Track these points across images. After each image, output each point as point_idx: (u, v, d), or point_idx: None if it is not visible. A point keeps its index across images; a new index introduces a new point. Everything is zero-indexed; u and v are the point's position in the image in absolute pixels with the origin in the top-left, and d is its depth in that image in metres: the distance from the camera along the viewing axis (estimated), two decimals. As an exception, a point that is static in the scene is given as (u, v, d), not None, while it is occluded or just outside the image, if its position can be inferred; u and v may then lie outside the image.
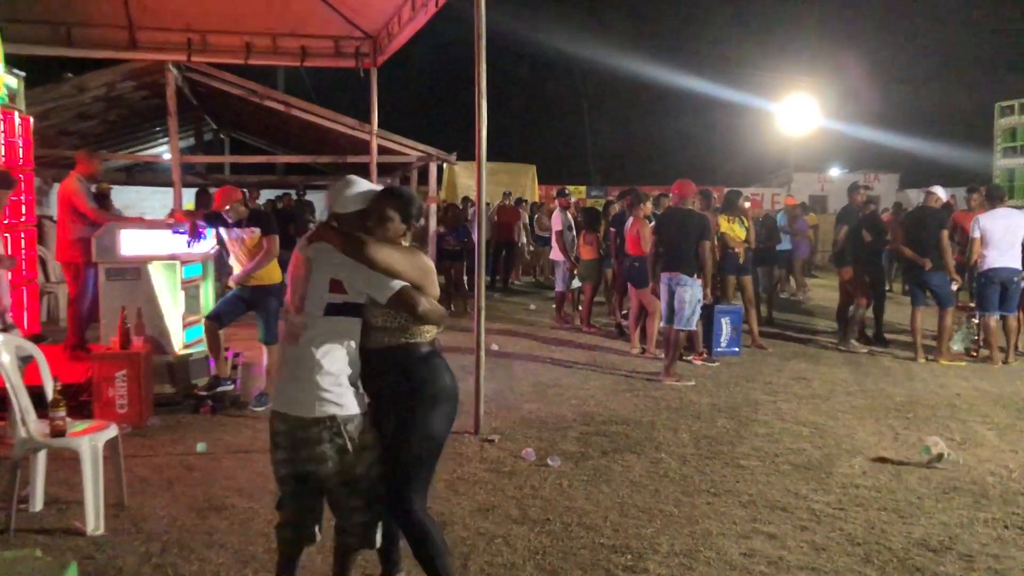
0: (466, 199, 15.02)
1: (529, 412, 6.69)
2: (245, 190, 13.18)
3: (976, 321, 9.30)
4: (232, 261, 6.75)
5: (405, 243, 3.16)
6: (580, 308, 11.23)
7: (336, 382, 2.99)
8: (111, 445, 4.39)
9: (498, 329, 10.75)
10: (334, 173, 18.27)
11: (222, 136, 19.63)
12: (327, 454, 2.97)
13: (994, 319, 8.81)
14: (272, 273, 6.55)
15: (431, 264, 3.17)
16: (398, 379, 3.10)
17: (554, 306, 11.83)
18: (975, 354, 9.23)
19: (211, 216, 6.65)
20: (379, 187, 3.25)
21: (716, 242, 9.18)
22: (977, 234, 8.77)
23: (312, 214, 16.97)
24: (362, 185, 3.14)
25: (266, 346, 6.69)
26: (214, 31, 9.68)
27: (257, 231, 6.52)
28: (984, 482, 5.10)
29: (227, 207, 6.42)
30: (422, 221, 2.71)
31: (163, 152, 17.32)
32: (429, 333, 3.16)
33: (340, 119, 11.95)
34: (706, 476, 5.15)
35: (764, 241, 10.85)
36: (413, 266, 3.04)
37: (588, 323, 10.99)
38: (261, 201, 16.17)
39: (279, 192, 17.19)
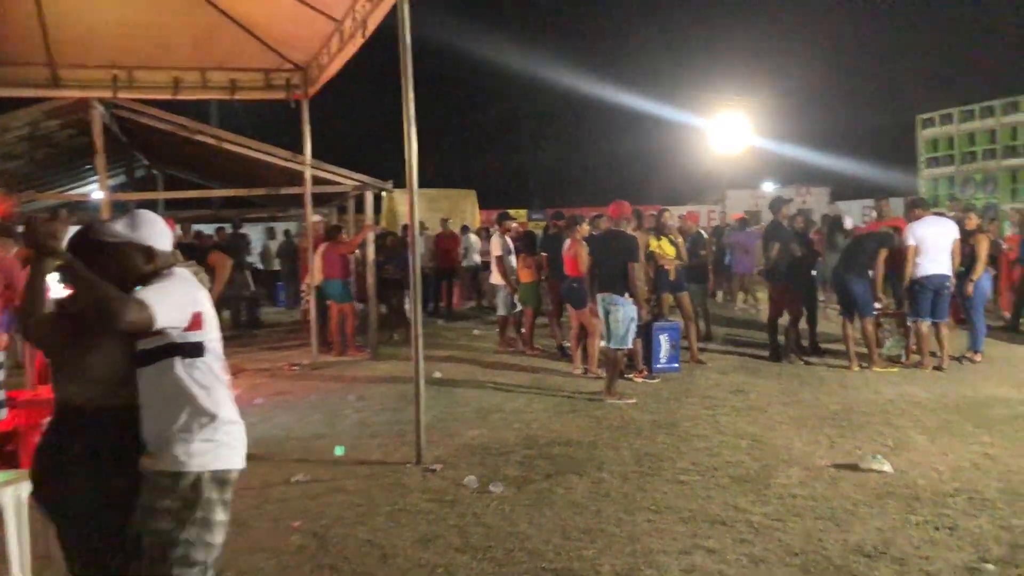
0: (406, 227, 14.98)
1: (472, 439, 6.67)
2: (178, 225, 12.96)
3: (907, 327, 9.55)
4: None
5: None
6: (523, 331, 11.26)
7: None
8: (38, 494, 4.25)
9: (442, 356, 10.72)
10: (270, 206, 18.11)
11: (155, 172, 19.31)
12: None
13: (926, 325, 9.05)
14: None
15: None
16: None
17: (497, 331, 11.84)
18: (906, 360, 9.48)
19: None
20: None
21: (648, 261, 9.32)
22: (913, 242, 8.97)
23: (248, 247, 16.79)
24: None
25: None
26: (140, 67, 9.54)
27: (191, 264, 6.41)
28: (916, 486, 5.22)
29: None
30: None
31: (94, 190, 16.95)
32: None
33: (273, 151, 11.83)
34: (647, 493, 5.18)
35: (693, 257, 10.99)
36: None
37: (531, 346, 11.02)
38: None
39: (215, 226, 17.00)
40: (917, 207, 9.49)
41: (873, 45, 36.83)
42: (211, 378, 2.81)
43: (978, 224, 10.09)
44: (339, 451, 6.35)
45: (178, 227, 11.60)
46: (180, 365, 2.76)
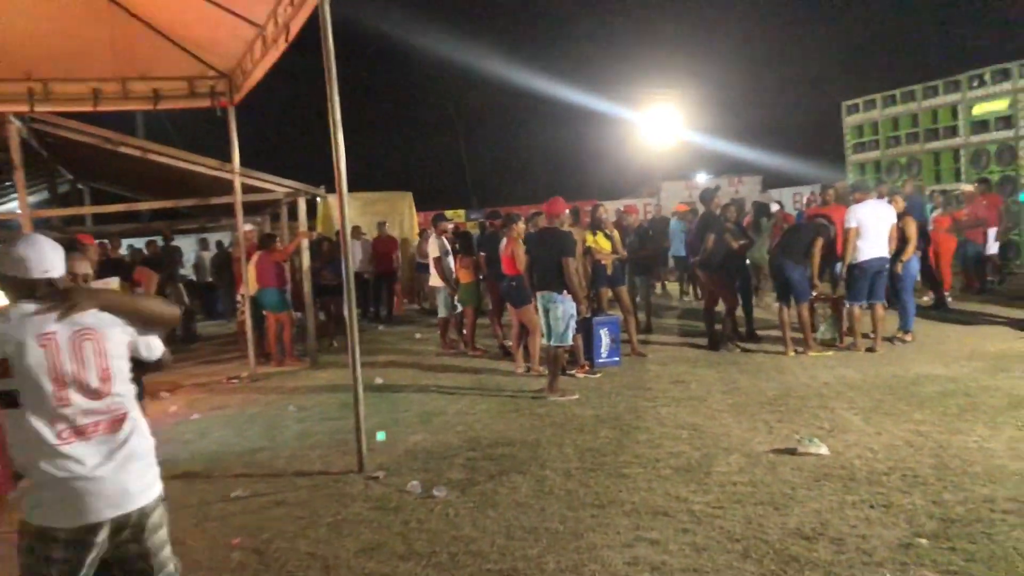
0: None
1: (415, 444, 6.61)
2: (105, 240, 12.62)
3: (841, 311, 9.74)
4: None
5: None
6: (464, 332, 11.22)
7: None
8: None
9: (383, 361, 10.63)
10: (201, 216, 17.75)
11: (80, 187, 18.77)
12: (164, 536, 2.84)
13: (859, 308, 9.24)
14: None
15: None
16: None
17: (439, 333, 11.77)
18: (841, 343, 9.67)
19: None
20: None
21: (585, 256, 9.36)
22: (854, 224, 9.13)
23: (180, 259, 16.42)
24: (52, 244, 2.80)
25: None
26: (57, 79, 9.26)
27: (114, 280, 6.26)
28: (852, 466, 5.32)
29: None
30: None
31: (15, 208, 16.40)
32: None
33: (201, 161, 11.56)
34: (590, 489, 5.20)
35: (636, 251, 11.06)
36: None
37: (473, 346, 10.99)
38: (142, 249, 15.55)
39: (146, 239, 16.61)
40: (858, 191, 9.71)
41: (798, 36, 37.60)
42: (22, 434, 2.59)
43: (904, 207, 10.34)
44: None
45: (97, 243, 11.27)
46: (3, 414, 2.63)
